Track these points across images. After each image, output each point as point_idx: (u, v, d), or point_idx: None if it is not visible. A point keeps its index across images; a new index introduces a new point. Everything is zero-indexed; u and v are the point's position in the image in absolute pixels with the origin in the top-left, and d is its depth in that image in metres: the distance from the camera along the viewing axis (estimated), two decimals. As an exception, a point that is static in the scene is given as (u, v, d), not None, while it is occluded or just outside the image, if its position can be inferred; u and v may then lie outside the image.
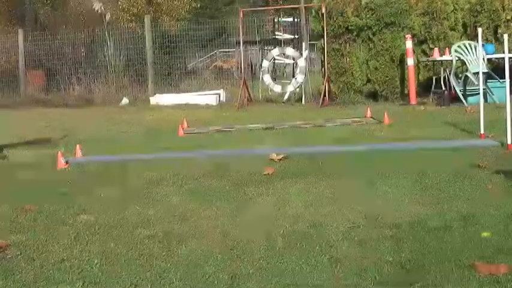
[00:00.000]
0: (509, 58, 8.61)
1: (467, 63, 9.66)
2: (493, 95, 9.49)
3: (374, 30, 10.95)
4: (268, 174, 4.65)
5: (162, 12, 19.81)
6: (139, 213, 3.70)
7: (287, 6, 25.48)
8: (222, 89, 13.61)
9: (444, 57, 10.03)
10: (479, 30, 6.07)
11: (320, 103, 10.92)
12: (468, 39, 10.39)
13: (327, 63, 11.32)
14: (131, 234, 3.25)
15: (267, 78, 11.76)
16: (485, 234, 2.92)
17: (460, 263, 2.57)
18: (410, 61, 10.28)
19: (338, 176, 4.47)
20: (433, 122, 7.39)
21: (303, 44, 14.41)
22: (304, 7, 17.82)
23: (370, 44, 11.13)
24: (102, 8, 19.14)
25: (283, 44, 16.59)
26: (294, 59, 12.37)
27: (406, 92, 10.82)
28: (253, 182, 4.40)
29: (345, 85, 11.34)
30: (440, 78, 10.19)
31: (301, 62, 11.72)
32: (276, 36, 18.29)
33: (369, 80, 11.30)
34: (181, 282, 2.54)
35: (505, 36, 5.45)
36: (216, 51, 21.08)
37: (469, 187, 3.91)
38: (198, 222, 3.42)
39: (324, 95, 11.02)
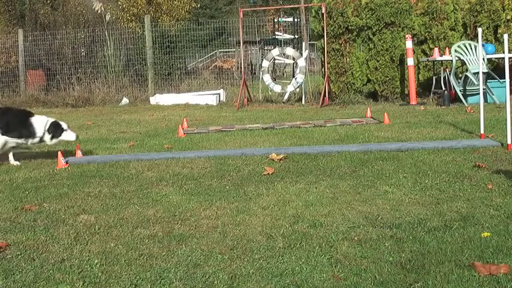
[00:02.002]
0: (509, 58, 8.64)
1: (467, 63, 9.66)
2: (493, 95, 9.49)
3: (374, 30, 10.96)
4: (268, 174, 4.65)
5: (162, 12, 19.80)
6: (139, 213, 3.70)
7: (287, 6, 25.50)
8: (222, 89, 13.62)
9: (444, 57, 10.03)
10: (479, 30, 6.07)
11: (320, 103, 10.92)
12: (468, 39, 10.40)
13: (327, 63, 11.32)
14: (131, 234, 3.25)
15: (267, 78, 11.76)
16: (485, 234, 2.92)
17: (460, 263, 2.57)
18: (410, 61, 10.28)
19: (338, 176, 4.47)
20: (433, 122, 7.39)
21: (303, 44, 14.42)
22: (304, 7, 17.82)
23: (370, 44, 11.14)
24: (102, 8, 19.14)
25: (283, 44, 16.60)
26: (294, 59, 12.37)
27: (406, 92, 10.83)
28: (253, 182, 4.40)
29: (345, 85, 11.35)
30: (440, 78, 10.20)
31: (301, 62, 11.72)
32: (276, 36, 18.28)
33: (369, 80, 11.30)
34: (181, 282, 2.54)
35: (505, 36, 5.45)
36: (216, 51, 21.10)
37: (469, 187, 3.91)
38: (198, 222, 3.42)
39: (324, 95, 11.03)
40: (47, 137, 5.68)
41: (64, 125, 5.79)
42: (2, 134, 5.58)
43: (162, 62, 14.69)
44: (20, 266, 2.82)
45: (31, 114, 5.77)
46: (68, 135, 5.78)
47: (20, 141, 5.67)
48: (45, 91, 15.00)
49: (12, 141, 5.64)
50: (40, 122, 5.68)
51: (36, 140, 5.69)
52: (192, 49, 16.09)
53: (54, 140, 5.76)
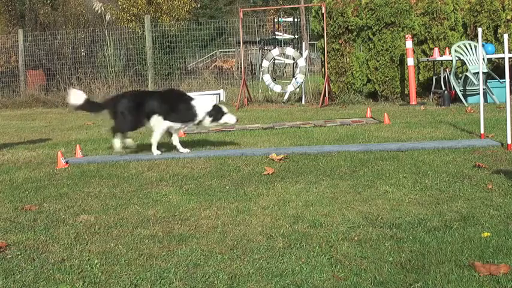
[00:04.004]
0: (509, 58, 8.64)
1: (467, 63, 9.66)
2: (493, 95, 9.49)
3: (374, 30, 10.96)
4: (268, 174, 4.65)
5: (162, 12, 19.82)
6: (139, 213, 3.70)
7: (287, 6, 25.51)
8: (222, 89, 13.62)
9: (444, 57, 10.03)
10: (479, 30, 6.07)
11: (320, 103, 10.92)
12: (468, 39, 10.39)
13: (327, 63, 11.32)
14: (131, 234, 3.25)
15: (267, 78, 11.76)
16: (485, 234, 2.92)
17: (460, 263, 2.57)
18: (410, 61, 10.29)
19: (338, 176, 4.47)
20: (433, 122, 7.39)
21: (303, 44, 14.42)
22: (304, 7, 17.83)
23: (370, 44, 11.15)
24: (102, 8, 19.15)
25: (283, 44, 16.60)
26: (294, 59, 12.37)
27: (406, 92, 10.83)
28: (253, 182, 4.40)
29: (345, 85, 11.35)
30: (440, 78, 10.20)
31: (301, 62, 11.72)
32: (276, 36, 18.28)
33: (369, 80, 11.31)
34: (181, 282, 2.54)
35: (505, 36, 5.45)
36: (216, 51, 21.11)
37: (469, 187, 3.91)
38: (198, 222, 3.42)
39: (324, 95, 11.03)
40: (207, 120, 5.80)
41: (224, 108, 5.90)
42: (164, 119, 5.71)
43: (162, 62, 14.70)
44: (20, 266, 2.82)
45: (191, 98, 5.89)
46: (228, 118, 5.87)
47: (180, 125, 5.83)
48: (45, 91, 15.01)
49: (174, 126, 5.79)
50: (201, 106, 5.78)
51: (195, 122, 5.84)
52: (192, 49, 16.10)
53: (214, 123, 5.90)
